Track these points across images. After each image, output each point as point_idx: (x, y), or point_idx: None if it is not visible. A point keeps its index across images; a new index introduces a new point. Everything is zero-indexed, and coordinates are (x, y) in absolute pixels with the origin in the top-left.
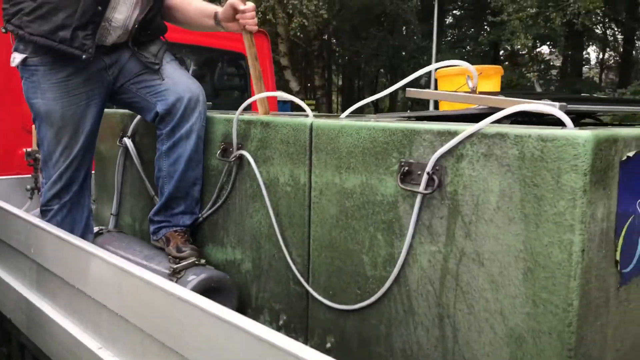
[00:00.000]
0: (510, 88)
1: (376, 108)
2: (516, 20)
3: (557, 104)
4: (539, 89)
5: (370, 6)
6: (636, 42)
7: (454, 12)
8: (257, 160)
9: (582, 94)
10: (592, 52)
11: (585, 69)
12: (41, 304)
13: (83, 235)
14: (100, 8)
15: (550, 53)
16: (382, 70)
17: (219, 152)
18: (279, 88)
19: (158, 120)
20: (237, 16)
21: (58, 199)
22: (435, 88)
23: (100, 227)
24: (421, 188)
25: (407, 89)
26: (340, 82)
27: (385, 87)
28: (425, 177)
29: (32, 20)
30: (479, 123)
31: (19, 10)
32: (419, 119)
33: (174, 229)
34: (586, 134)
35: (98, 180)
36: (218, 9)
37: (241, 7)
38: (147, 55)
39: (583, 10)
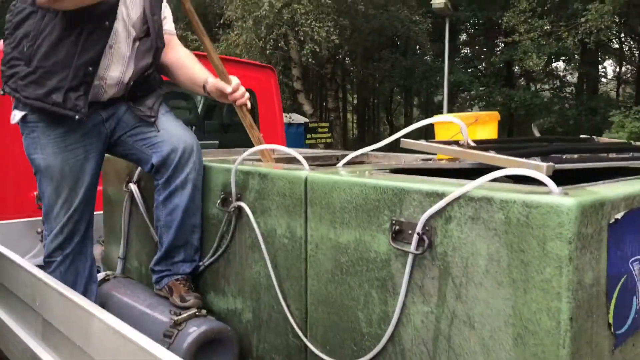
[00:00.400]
0: (524, 107)
1: (391, 127)
2: (528, 40)
3: (544, 165)
4: (537, 134)
5: (381, 29)
6: None
7: (468, 30)
8: (255, 212)
9: (582, 136)
10: (608, 67)
11: (602, 81)
12: (45, 356)
13: (87, 286)
14: (91, 69)
15: (565, 70)
16: (396, 88)
17: (219, 201)
18: (293, 111)
19: (154, 171)
20: (227, 97)
21: (60, 251)
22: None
23: (107, 273)
24: (412, 248)
25: (401, 139)
26: (355, 101)
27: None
28: (415, 237)
29: (26, 85)
30: (464, 187)
31: (14, 74)
32: (415, 171)
33: (175, 277)
34: (569, 202)
35: (107, 223)
36: (209, 77)
37: (228, 90)
38: (142, 109)
39: (595, 29)
